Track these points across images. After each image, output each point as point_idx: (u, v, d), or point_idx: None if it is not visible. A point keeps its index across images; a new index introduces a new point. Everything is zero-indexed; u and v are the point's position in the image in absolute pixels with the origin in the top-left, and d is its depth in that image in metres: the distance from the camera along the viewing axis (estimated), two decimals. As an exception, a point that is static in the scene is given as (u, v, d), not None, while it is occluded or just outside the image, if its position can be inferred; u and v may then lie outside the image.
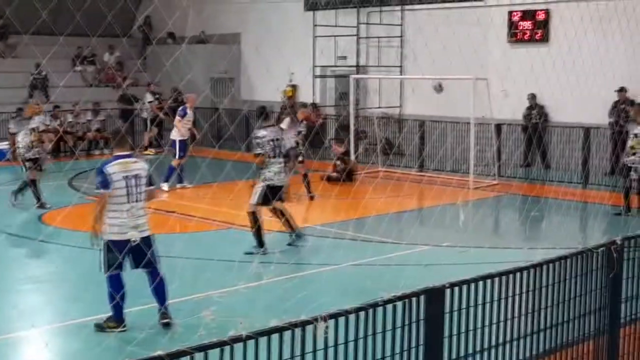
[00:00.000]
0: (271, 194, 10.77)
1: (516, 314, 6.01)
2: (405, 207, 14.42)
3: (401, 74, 22.21)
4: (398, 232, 12.05)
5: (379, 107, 22.08)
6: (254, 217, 10.85)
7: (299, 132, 15.68)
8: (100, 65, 26.67)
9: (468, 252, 10.63)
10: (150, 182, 7.94)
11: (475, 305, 5.67)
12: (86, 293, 8.54)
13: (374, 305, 4.92)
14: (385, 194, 15.69)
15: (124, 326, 7.65)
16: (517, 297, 6.01)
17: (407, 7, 22.01)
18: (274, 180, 11.07)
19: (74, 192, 15.67)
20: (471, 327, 5.65)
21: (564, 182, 16.27)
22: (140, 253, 7.62)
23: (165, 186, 15.68)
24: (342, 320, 4.77)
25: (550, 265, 6.23)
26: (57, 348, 7.93)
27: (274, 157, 11.11)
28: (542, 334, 6.23)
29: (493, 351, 5.89)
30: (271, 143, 11.16)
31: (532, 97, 19.28)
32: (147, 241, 7.75)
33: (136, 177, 7.77)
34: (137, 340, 6.11)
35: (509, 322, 5.96)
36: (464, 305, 5.55)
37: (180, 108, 17.14)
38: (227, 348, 4.24)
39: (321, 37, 22.89)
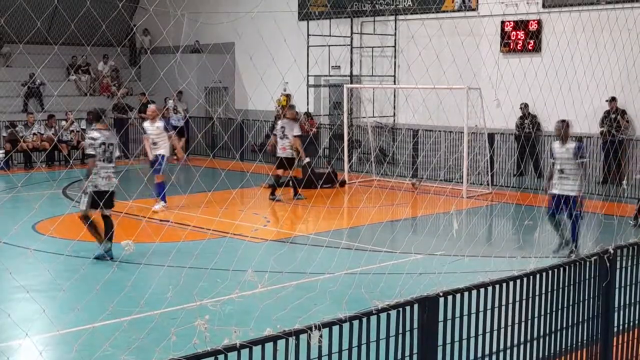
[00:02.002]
0: (100, 199, 10.69)
1: (510, 323, 6.03)
2: (398, 215, 14.45)
3: (395, 84, 22.28)
4: (392, 241, 12.07)
5: (373, 117, 22.14)
6: (86, 221, 10.93)
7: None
8: (95, 74, 26.69)
9: (461, 261, 10.65)
10: None
11: (469, 314, 5.69)
12: (80, 302, 8.53)
13: (368, 314, 4.94)
14: (379, 203, 15.72)
15: None
16: (510, 306, 6.03)
17: (400, 17, 22.10)
18: (103, 186, 11.13)
19: (68, 201, 15.67)
20: (465, 335, 5.67)
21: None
22: None
23: (160, 204, 14.93)
24: (336, 328, 4.79)
25: (544, 274, 6.26)
26: (50, 357, 7.92)
27: (104, 161, 11.22)
28: (535, 343, 6.26)
29: (487, 359, 5.91)
30: (102, 146, 11.24)
31: (525, 106, 19.36)
32: None
33: None
34: (131, 348, 6.11)
35: (502, 331, 5.99)
36: (457, 313, 5.57)
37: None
38: (221, 357, 4.25)
39: (315, 47, 22.94)
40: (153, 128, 15.32)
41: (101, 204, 10.37)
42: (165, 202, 15.08)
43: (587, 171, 12.33)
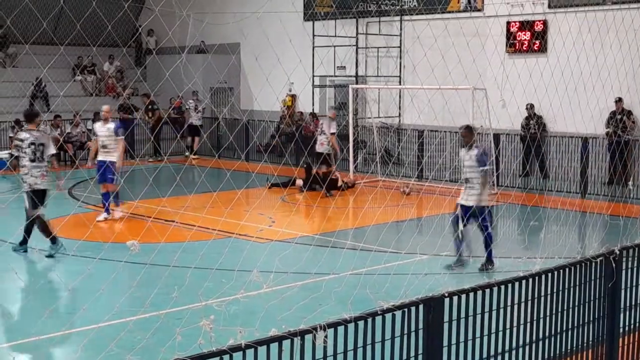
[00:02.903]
0: (37, 198, 10.86)
1: (515, 323, 6.02)
2: (404, 216, 14.44)
3: (400, 84, 22.27)
4: (397, 242, 12.07)
5: (378, 117, 22.13)
6: (39, 221, 11.02)
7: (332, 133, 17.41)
8: (100, 74, 26.74)
9: (467, 261, 10.65)
10: None
11: (474, 315, 5.68)
12: (86, 302, 8.55)
13: (373, 315, 4.94)
14: (384, 204, 15.72)
15: None
16: (516, 307, 6.03)
17: (405, 17, 22.09)
18: (38, 185, 11.26)
19: (73, 201, 15.70)
20: (470, 336, 5.66)
21: (563, 191, 16.29)
22: None
23: (103, 215, 13.81)
24: (341, 329, 4.79)
25: (549, 274, 6.25)
26: (57, 356, 7.94)
27: (34, 160, 11.32)
28: (541, 343, 6.25)
29: (492, 360, 5.90)
30: (32, 147, 11.33)
31: (531, 107, 19.33)
32: None
33: None
34: (137, 348, 6.12)
35: (508, 332, 5.98)
36: (463, 314, 5.57)
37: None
38: (226, 357, 4.25)
39: (320, 47, 22.94)
40: (104, 130, 14.23)
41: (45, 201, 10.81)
42: (108, 213, 13.85)
43: (489, 180, 11.42)
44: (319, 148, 17.44)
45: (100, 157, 14.14)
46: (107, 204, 13.74)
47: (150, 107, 23.94)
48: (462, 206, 10.80)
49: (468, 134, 11.09)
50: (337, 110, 18.61)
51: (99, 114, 23.89)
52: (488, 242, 10.64)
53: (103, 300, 8.58)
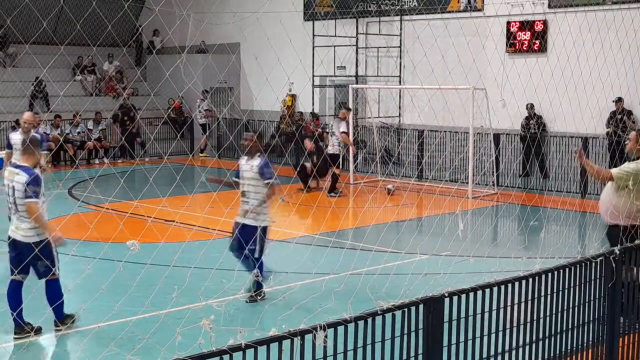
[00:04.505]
0: None
1: (515, 323, 6.03)
2: (404, 216, 14.44)
3: (400, 84, 22.27)
4: (397, 242, 12.07)
5: (378, 117, 22.13)
6: None
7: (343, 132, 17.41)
8: (101, 74, 26.74)
9: (467, 261, 10.64)
10: (27, 196, 8.01)
11: (474, 315, 5.69)
12: (85, 302, 8.55)
13: (373, 314, 4.94)
14: (384, 203, 15.72)
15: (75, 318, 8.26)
16: (515, 307, 6.03)
17: (405, 17, 22.08)
18: None
19: (73, 201, 15.69)
20: (470, 336, 5.67)
21: (563, 191, 16.29)
22: (20, 257, 7.90)
23: None
24: (341, 329, 4.79)
25: (549, 274, 6.26)
26: (56, 356, 7.95)
27: None
28: (540, 344, 6.25)
29: (492, 360, 5.90)
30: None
31: (531, 107, 19.33)
32: (27, 248, 7.88)
33: (13, 188, 8.08)
34: (137, 348, 6.12)
35: (507, 332, 5.98)
36: (462, 314, 5.57)
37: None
38: (226, 357, 4.25)
39: (320, 47, 22.94)
40: (23, 140, 11.42)
41: None
42: None
43: (274, 195, 9.71)
44: (330, 149, 17.49)
45: None
46: None
47: (126, 117, 23.94)
48: (240, 225, 9.40)
49: (253, 141, 9.61)
50: (348, 110, 18.46)
51: (99, 114, 24.18)
52: (256, 268, 9.10)
53: (103, 300, 8.57)
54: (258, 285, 9.26)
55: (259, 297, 9.14)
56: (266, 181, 9.35)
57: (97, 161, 23.11)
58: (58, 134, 22.07)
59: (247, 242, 8.99)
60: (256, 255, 9.30)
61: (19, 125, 21.15)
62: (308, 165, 17.71)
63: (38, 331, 8.20)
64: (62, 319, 8.27)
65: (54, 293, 8.17)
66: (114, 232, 10.03)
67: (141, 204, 13.31)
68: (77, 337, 8.15)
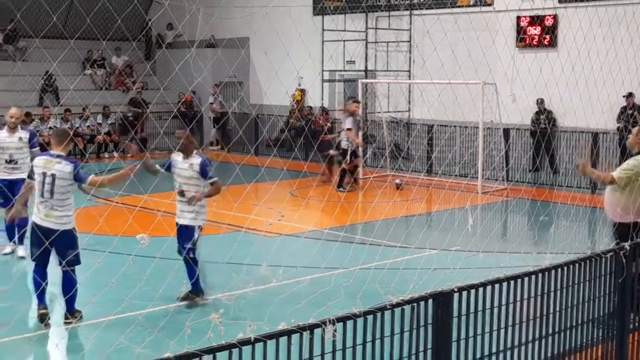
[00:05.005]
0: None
1: (524, 319, 6.01)
2: (413, 211, 14.42)
3: (410, 79, 22.22)
4: (406, 236, 12.06)
5: (388, 112, 22.09)
6: None
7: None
8: (110, 68, 26.79)
9: (476, 256, 10.62)
10: (77, 179, 8.40)
11: (484, 310, 5.68)
12: (95, 295, 8.57)
13: (382, 309, 4.94)
14: (394, 198, 15.70)
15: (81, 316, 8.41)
16: (525, 302, 6.01)
17: (415, 12, 22.03)
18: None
19: (83, 195, 15.69)
20: (479, 331, 5.66)
21: (573, 187, 16.24)
22: (55, 245, 8.17)
23: (7, 247, 11.21)
24: (350, 323, 4.79)
25: (559, 269, 6.24)
26: (67, 349, 7.98)
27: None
28: (550, 339, 6.23)
29: (501, 356, 5.89)
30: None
31: (541, 102, 19.27)
32: (58, 236, 8.15)
33: (53, 176, 8.24)
34: (146, 342, 6.13)
35: (517, 327, 5.97)
36: (472, 309, 5.56)
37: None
38: (235, 350, 4.26)
39: (330, 42, 22.92)
40: (12, 140, 11.00)
41: None
42: (16, 242, 11.06)
43: (219, 192, 9.29)
44: (342, 144, 17.52)
45: (3, 176, 10.96)
46: (20, 234, 10.64)
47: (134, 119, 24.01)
48: (183, 226, 9.09)
49: (187, 140, 9.24)
50: (356, 103, 18.19)
51: (107, 108, 24.24)
52: (195, 272, 9.00)
53: (113, 293, 8.58)
54: (195, 289, 8.99)
55: (196, 299, 8.92)
56: (209, 180, 9.01)
57: (106, 155, 23.16)
58: (68, 127, 22.12)
59: (187, 242, 8.83)
60: (190, 256, 8.99)
61: (28, 119, 21.28)
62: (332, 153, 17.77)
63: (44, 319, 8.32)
64: (72, 311, 8.31)
65: (71, 283, 8.23)
66: (123, 226, 10.07)
67: (151, 198, 13.34)
68: (87, 330, 8.17)
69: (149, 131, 24.42)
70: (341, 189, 16.98)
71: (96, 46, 24.17)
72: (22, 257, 10.83)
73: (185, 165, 9.09)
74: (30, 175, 8.51)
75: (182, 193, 9.11)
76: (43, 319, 8.25)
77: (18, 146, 11.01)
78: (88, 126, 23.22)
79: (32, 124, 21.88)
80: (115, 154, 22.59)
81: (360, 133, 18.60)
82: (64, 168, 8.30)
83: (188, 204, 9.03)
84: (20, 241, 10.90)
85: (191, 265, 8.98)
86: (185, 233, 9.01)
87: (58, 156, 8.40)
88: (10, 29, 23.81)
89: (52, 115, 22.58)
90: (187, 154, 9.14)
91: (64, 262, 8.18)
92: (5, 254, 11.05)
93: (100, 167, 17.04)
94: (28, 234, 8.84)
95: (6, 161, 10.87)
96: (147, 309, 8.30)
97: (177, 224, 9.16)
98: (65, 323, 8.25)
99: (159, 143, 23.43)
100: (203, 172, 9.00)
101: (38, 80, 24.07)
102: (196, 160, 9.08)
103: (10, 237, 10.78)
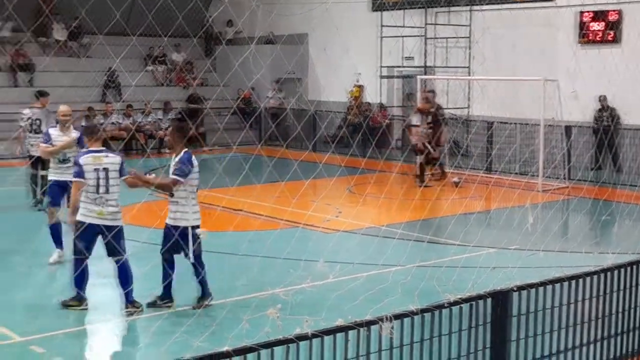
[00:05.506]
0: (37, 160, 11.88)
1: (585, 320, 5.92)
2: (472, 209, 14.29)
3: (469, 75, 22.02)
4: (465, 234, 11.95)
5: (446, 108, 21.92)
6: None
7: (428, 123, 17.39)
8: (171, 65, 27.14)
9: (536, 255, 10.48)
10: (122, 170, 8.56)
11: (543, 310, 5.60)
12: (153, 289, 8.70)
13: (440, 307, 4.91)
14: (452, 196, 15.58)
15: (86, 304, 8.49)
16: (586, 302, 5.91)
17: (475, 7, 21.80)
18: (34, 152, 12.43)
19: (145, 189, 15.95)
20: (539, 331, 5.59)
21: (636, 186, 15.89)
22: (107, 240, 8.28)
23: (54, 255, 10.47)
24: (407, 321, 4.78)
25: (622, 270, 6.12)
26: (127, 340, 8.12)
27: (31, 132, 13.01)
28: (612, 341, 6.12)
29: (562, 356, 5.81)
30: (29, 120, 12.85)
31: (603, 99, 18.90)
32: (113, 230, 8.30)
33: (106, 170, 8.40)
34: (204, 335, 6.20)
35: (577, 328, 5.88)
36: (531, 309, 5.49)
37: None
38: (292, 346, 4.28)
39: (388, 38, 22.83)
40: (65, 138, 10.49)
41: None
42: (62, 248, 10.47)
43: (170, 187, 8.50)
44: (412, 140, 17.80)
45: (55, 176, 10.46)
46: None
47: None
48: (170, 227, 8.54)
49: (173, 136, 8.78)
50: (425, 100, 18.00)
51: (168, 104, 24.58)
52: (200, 274, 8.56)
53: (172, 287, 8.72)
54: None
55: (162, 303, 8.54)
56: (171, 176, 8.36)
57: (167, 150, 23.47)
58: (130, 123, 22.50)
59: (176, 245, 8.41)
60: (190, 260, 8.49)
61: (91, 113, 21.69)
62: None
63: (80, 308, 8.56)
64: (132, 300, 8.43)
65: (127, 273, 8.42)
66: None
67: (210, 193, 13.48)
68: (146, 323, 8.30)
69: (208, 127, 24.65)
70: (418, 182, 17.00)
71: (157, 43, 24.48)
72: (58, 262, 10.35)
73: (172, 163, 8.58)
74: (79, 175, 8.43)
75: (171, 194, 8.53)
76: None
77: (69, 146, 10.42)
78: (149, 121, 23.57)
79: (95, 118, 22.33)
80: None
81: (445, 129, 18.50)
82: (114, 160, 8.52)
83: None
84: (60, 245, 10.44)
85: (165, 268, 8.52)
86: (172, 235, 8.37)
87: (102, 151, 8.58)
88: (74, 26, 24.28)
89: (115, 111, 22.98)
90: (174, 151, 8.70)
91: (124, 255, 8.32)
92: (52, 263, 10.37)
93: (161, 162, 17.28)
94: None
95: (59, 160, 10.40)
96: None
97: (165, 224, 8.61)
98: (127, 313, 8.38)
99: (218, 138, 23.67)
100: (182, 170, 8.38)
101: (101, 77, 24.51)
102: (179, 157, 8.52)
103: (57, 242, 10.39)
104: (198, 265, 8.49)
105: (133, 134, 21.64)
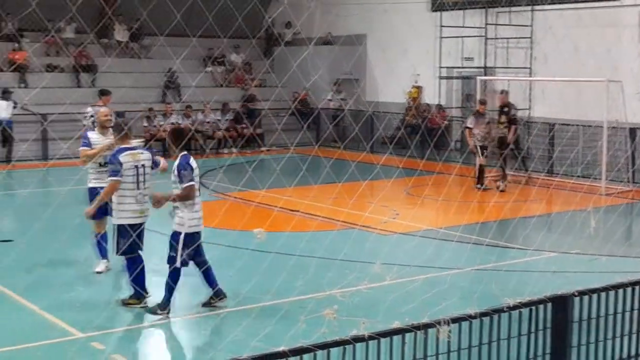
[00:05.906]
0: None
1: (650, 326, 5.76)
2: (532, 212, 14.07)
3: (530, 76, 21.69)
4: (524, 238, 11.78)
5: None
6: None
7: (487, 123, 17.23)
8: (230, 65, 27.36)
9: (598, 260, 10.26)
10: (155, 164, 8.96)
11: (606, 316, 5.47)
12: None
13: (499, 311, 4.83)
14: (512, 198, 15.37)
15: (145, 302, 8.56)
16: (651, 309, 5.76)
17: (537, 7, 21.47)
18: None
19: (203, 189, 16.10)
20: (601, 337, 5.46)
21: (703, 189, 15.47)
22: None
23: (101, 265, 10.12)
24: (465, 324, 4.71)
25: (688, 276, 5.94)
26: (185, 339, 8.21)
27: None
28: (677, 349, 5.95)
29: (624, 364, 5.67)
30: (92, 118, 12.36)
31: (669, 100, 18.44)
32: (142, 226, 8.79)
33: (143, 166, 8.66)
34: (261, 335, 6.22)
35: (641, 335, 5.73)
36: (593, 314, 5.37)
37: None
38: (349, 347, 4.25)
39: (447, 38, 22.64)
40: (107, 141, 9.90)
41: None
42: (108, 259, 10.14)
43: (189, 197, 8.29)
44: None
45: (96, 183, 9.94)
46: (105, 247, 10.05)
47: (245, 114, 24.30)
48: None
49: (170, 138, 8.59)
50: (482, 104, 17.85)
51: (227, 105, 24.81)
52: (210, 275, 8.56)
53: (230, 286, 8.77)
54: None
55: (160, 311, 8.34)
56: (183, 185, 8.12)
57: (225, 150, 23.66)
58: (189, 123, 22.74)
59: (195, 248, 8.35)
60: (177, 264, 8.26)
61: (151, 113, 21.98)
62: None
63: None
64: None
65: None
66: (241, 221, 10.28)
67: (267, 194, 13.54)
68: (203, 322, 8.36)
69: (266, 128, 24.77)
70: (478, 185, 16.81)
71: (216, 44, 24.69)
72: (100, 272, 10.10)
73: (172, 168, 8.40)
74: (117, 174, 8.42)
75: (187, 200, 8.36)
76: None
77: (106, 149, 9.81)
78: (208, 122, 23.80)
79: (156, 119, 22.68)
80: (234, 150, 23.05)
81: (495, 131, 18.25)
82: (148, 156, 8.81)
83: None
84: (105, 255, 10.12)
85: (206, 271, 8.53)
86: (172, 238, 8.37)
87: (135, 148, 8.79)
88: (135, 28, 24.67)
89: (174, 112, 23.28)
90: (172, 154, 8.50)
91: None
92: (99, 272, 10.11)
93: (221, 162, 17.46)
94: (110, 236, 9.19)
95: (100, 164, 9.91)
96: (262, 303, 8.43)
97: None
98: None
99: (276, 139, 23.79)
100: (180, 176, 8.17)
101: (161, 77, 24.86)
102: (178, 162, 8.26)
103: (102, 253, 10.08)
104: (175, 274, 8.27)
105: (192, 134, 21.87)
